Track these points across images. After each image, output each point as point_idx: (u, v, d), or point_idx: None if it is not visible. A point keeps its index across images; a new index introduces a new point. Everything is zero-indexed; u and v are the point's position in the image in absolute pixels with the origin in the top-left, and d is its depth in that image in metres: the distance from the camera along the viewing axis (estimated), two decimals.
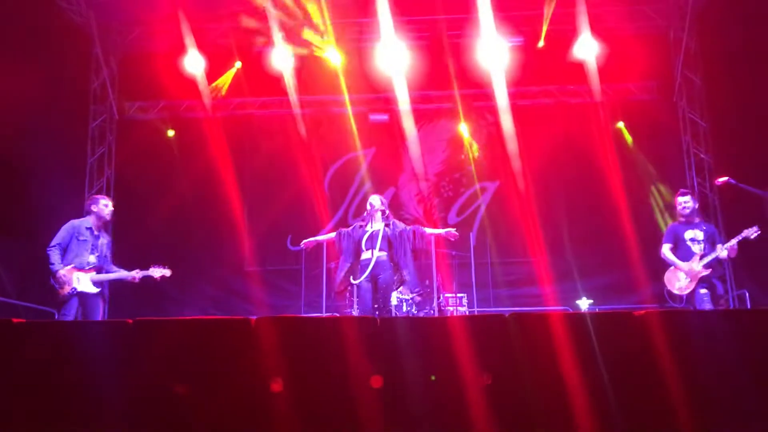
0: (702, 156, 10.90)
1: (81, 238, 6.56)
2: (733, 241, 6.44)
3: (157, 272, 6.84)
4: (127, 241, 9.73)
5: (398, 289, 9.11)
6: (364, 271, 6.84)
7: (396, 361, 3.75)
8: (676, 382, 3.69)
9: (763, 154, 9.46)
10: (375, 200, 7.11)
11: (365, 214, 7.15)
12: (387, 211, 7.10)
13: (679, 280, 6.74)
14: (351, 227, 7.23)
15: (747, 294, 9.69)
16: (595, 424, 3.65)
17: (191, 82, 10.59)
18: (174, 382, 3.85)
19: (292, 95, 10.75)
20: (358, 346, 3.75)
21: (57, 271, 6.36)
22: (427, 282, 9.90)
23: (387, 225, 7.00)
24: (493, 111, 11.02)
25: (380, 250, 6.85)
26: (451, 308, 9.62)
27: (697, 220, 6.82)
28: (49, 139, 9.72)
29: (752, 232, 6.37)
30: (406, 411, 3.69)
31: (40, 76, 9.21)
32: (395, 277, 6.94)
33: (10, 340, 4.01)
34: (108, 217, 6.81)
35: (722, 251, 6.45)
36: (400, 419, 3.68)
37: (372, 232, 6.93)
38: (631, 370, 3.81)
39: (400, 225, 7.06)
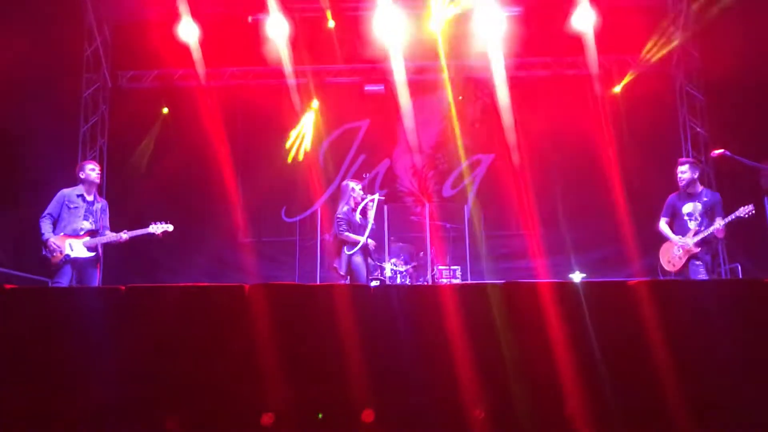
0: (698, 129, 10.88)
1: (72, 205, 6.57)
2: (722, 222, 6.42)
3: (158, 228, 6.82)
4: (120, 211, 9.64)
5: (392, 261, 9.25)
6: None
7: (387, 328, 3.76)
8: (667, 352, 3.71)
9: (759, 128, 9.46)
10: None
11: (360, 199, 7.47)
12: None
13: (671, 255, 6.75)
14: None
15: (739, 267, 9.73)
16: (584, 392, 3.68)
17: (185, 51, 10.45)
18: (167, 348, 3.86)
19: (287, 65, 10.63)
20: (350, 313, 3.76)
21: (47, 239, 6.37)
22: (421, 254, 9.93)
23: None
24: (490, 82, 10.95)
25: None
26: (444, 280, 9.66)
27: (699, 189, 6.79)
28: (41, 108, 9.61)
29: (745, 212, 6.35)
30: (396, 377, 3.71)
31: (32, 44, 9.09)
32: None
33: (1, 305, 4.00)
34: (97, 180, 6.81)
35: (718, 224, 6.44)
36: (390, 385, 3.71)
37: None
38: (623, 339, 3.83)
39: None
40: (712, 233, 6.49)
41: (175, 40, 10.36)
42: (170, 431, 3.65)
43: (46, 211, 6.53)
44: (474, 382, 3.64)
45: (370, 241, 7.39)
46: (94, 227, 6.63)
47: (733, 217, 6.38)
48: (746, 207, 6.35)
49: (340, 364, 3.71)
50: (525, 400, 3.69)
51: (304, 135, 11.41)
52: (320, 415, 3.64)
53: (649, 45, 10.67)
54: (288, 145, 11.36)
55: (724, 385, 3.74)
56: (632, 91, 10.97)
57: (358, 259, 7.22)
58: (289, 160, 11.34)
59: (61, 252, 6.36)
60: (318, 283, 9.99)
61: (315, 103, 11.33)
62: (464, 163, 11.71)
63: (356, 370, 3.66)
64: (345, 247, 7.26)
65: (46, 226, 6.45)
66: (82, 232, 6.53)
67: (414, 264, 9.73)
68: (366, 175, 10.62)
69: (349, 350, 3.69)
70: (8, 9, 9.08)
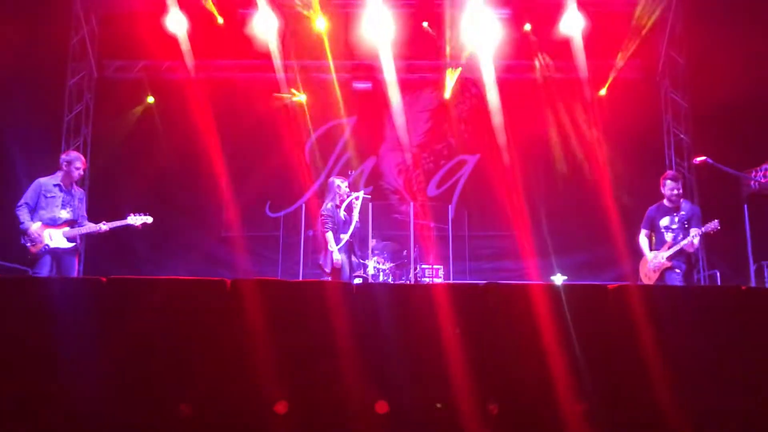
0: (681, 136, 10.98)
1: (49, 195, 6.50)
2: (691, 237, 6.48)
3: (137, 220, 6.76)
4: (104, 203, 9.64)
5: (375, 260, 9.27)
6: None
7: (370, 325, 3.77)
8: (648, 355, 3.76)
9: (741, 136, 9.57)
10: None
11: (345, 196, 7.52)
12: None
13: (647, 270, 6.83)
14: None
15: (718, 274, 9.84)
16: (569, 392, 3.71)
17: (173, 42, 10.38)
18: (147, 341, 3.85)
19: (276, 59, 10.60)
20: (333, 310, 3.77)
21: (28, 228, 6.31)
22: (404, 252, 9.95)
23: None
24: (477, 84, 10.99)
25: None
26: (427, 279, 9.68)
27: (680, 202, 6.81)
28: (25, 96, 9.52)
29: (711, 227, 6.41)
30: (382, 371, 3.73)
31: (17, 32, 9.00)
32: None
33: None
34: (77, 178, 6.73)
35: (687, 240, 6.49)
36: (377, 378, 3.72)
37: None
38: (604, 342, 3.87)
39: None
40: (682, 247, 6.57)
41: (162, 31, 10.28)
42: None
43: (23, 200, 6.43)
44: (459, 380, 3.66)
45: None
46: (72, 217, 6.56)
47: (701, 232, 6.44)
48: (712, 223, 6.41)
49: (323, 360, 3.72)
50: (507, 399, 3.73)
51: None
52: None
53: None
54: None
55: (704, 388, 3.79)
56: (617, 97, 11.04)
57: (342, 257, 7.24)
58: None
59: (41, 242, 6.31)
60: (300, 279, 9.98)
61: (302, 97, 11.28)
62: (450, 163, 11.76)
63: (340, 365, 3.67)
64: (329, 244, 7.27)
65: (24, 214, 6.36)
66: (60, 222, 6.47)
67: (397, 262, 9.75)
68: (352, 172, 10.65)
69: (331, 347, 3.70)
70: None
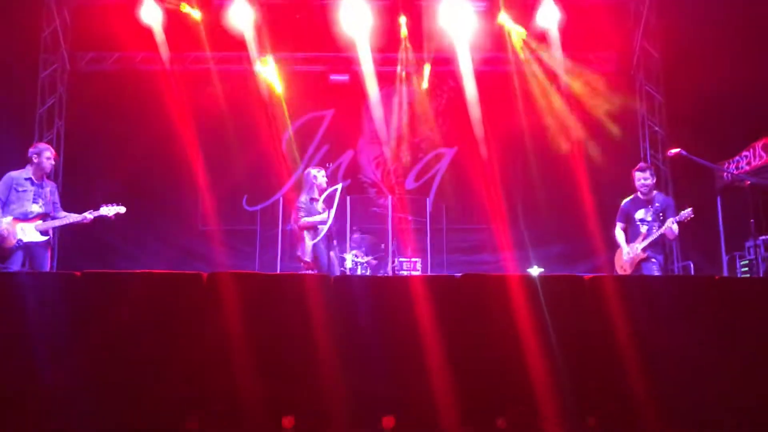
0: (656, 128, 11.09)
1: (20, 189, 6.43)
2: (672, 225, 6.52)
3: (110, 210, 6.70)
4: (78, 198, 9.49)
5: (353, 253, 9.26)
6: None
7: (348, 317, 3.77)
8: (623, 345, 3.81)
9: (715, 129, 9.68)
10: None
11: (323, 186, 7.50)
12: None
13: (623, 262, 6.89)
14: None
15: (692, 265, 9.97)
16: (544, 384, 3.74)
17: (148, 34, 10.25)
18: (123, 335, 3.81)
19: (252, 51, 10.51)
20: (311, 303, 3.76)
21: None
22: (382, 246, 9.96)
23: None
24: (454, 76, 11.00)
25: None
26: (405, 272, 9.70)
27: (653, 194, 6.85)
28: None
29: (685, 216, 6.46)
30: (361, 364, 3.74)
31: None
32: None
33: None
34: (48, 170, 6.66)
35: (667, 225, 6.54)
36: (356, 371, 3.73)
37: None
38: (581, 332, 3.90)
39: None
40: (660, 235, 6.62)
41: (136, 22, 10.13)
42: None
43: None
44: (437, 370, 3.68)
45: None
46: (43, 210, 6.49)
47: (676, 220, 6.49)
48: (686, 211, 6.45)
49: (300, 353, 3.71)
50: (487, 391, 3.75)
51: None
52: None
53: None
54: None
55: (678, 378, 3.85)
56: (592, 89, 11.10)
57: (322, 246, 7.21)
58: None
59: (14, 236, 6.21)
60: (278, 272, 9.94)
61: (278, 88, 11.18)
62: (427, 156, 11.77)
63: (318, 359, 3.67)
64: (308, 235, 7.23)
65: None
66: (31, 216, 6.39)
67: (375, 255, 9.76)
68: (329, 165, 10.60)
69: (310, 340, 3.69)
70: None
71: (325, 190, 7.49)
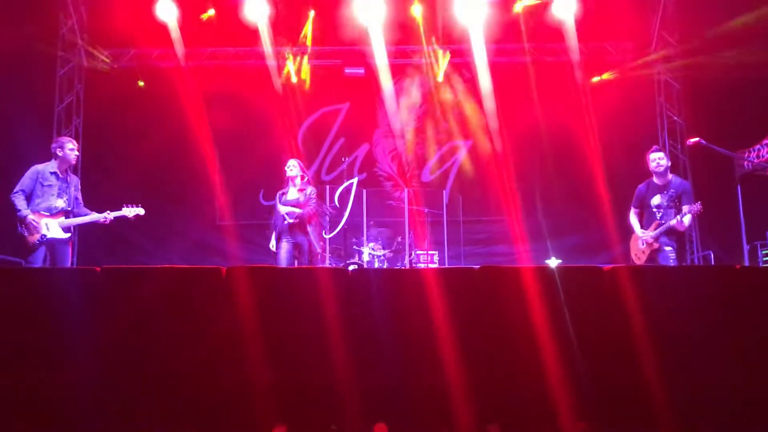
0: (675, 118, 10.98)
1: (46, 183, 6.43)
2: (680, 217, 6.47)
3: (130, 211, 6.74)
4: (96, 194, 9.55)
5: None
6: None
7: (365, 310, 3.77)
8: (642, 336, 3.77)
9: (734, 117, 9.56)
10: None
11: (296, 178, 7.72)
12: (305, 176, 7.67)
13: (637, 249, 6.82)
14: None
15: (712, 255, 9.88)
16: (563, 378, 3.72)
17: (163, 31, 10.30)
18: (143, 330, 3.84)
19: (267, 46, 10.53)
20: (328, 296, 3.76)
21: (26, 216, 6.24)
22: (399, 239, 9.95)
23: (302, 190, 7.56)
24: (470, 68, 10.94)
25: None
26: (422, 265, 9.69)
27: (669, 178, 6.78)
28: (14, 86, 9.44)
29: (695, 210, 6.38)
30: (376, 358, 3.74)
31: (6, 22, 8.89)
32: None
33: None
34: (73, 161, 6.69)
35: (677, 219, 6.47)
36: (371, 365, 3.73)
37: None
38: (599, 323, 3.88)
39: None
40: (670, 225, 6.56)
41: (152, 19, 10.20)
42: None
43: (18, 187, 6.34)
44: (453, 364, 3.67)
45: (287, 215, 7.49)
46: (67, 206, 6.52)
47: (684, 214, 6.41)
48: (695, 205, 6.37)
49: (319, 346, 3.72)
50: (504, 385, 3.74)
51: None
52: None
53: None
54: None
55: (699, 369, 3.81)
56: (610, 79, 11.02)
57: (284, 245, 7.45)
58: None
59: (38, 231, 6.26)
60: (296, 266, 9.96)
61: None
62: (443, 149, 11.74)
63: (335, 352, 3.68)
64: (311, 228, 7.32)
65: (21, 201, 6.28)
66: (55, 211, 6.42)
67: (392, 249, 9.76)
68: (345, 158, 10.60)
69: (328, 333, 3.70)
70: None
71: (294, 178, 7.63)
